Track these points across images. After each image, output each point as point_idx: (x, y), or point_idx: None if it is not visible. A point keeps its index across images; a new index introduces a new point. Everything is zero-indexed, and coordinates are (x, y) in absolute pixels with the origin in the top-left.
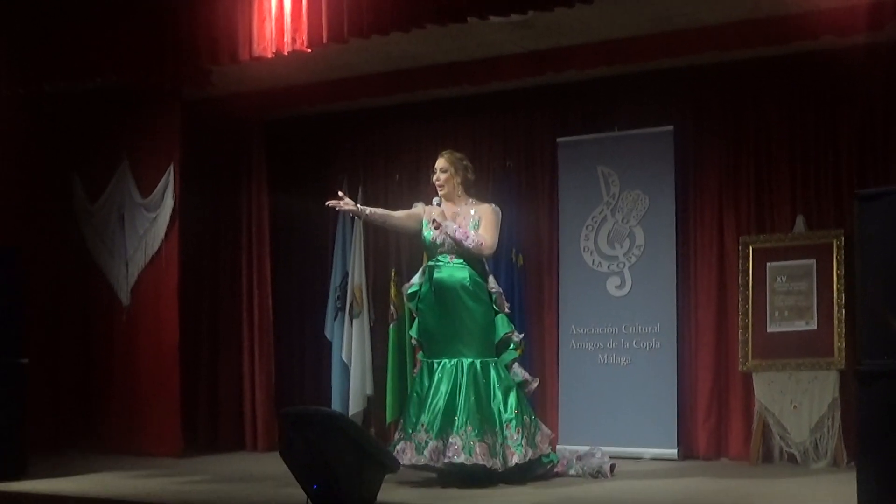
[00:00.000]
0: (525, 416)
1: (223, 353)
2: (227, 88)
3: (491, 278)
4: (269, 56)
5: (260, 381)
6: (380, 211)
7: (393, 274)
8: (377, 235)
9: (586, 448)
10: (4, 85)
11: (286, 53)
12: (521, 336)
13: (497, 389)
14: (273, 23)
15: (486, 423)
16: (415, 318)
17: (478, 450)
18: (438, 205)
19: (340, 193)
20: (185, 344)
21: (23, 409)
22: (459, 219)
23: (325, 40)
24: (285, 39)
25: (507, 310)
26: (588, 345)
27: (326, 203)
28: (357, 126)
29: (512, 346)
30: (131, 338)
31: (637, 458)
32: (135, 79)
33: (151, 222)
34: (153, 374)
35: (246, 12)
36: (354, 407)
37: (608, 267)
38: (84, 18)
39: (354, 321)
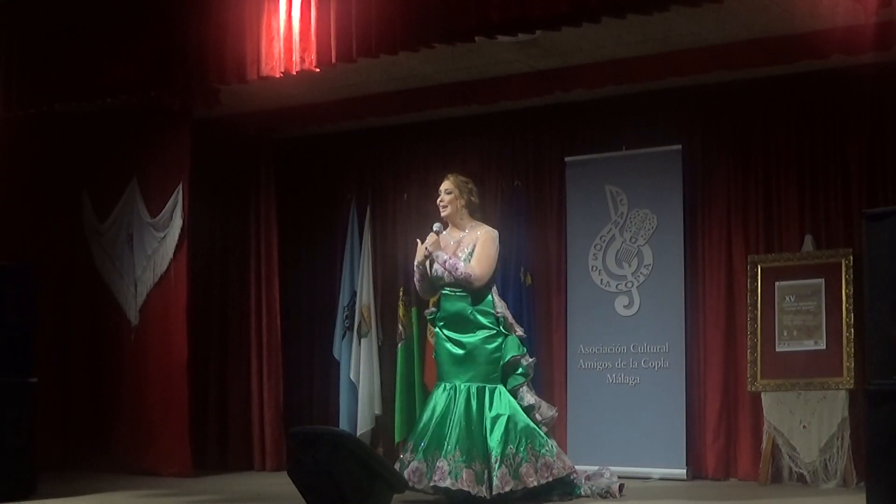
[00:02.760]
0: (510, 447)
1: (232, 373)
2: (235, 108)
3: (498, 302)
4: (278, 75)
5: (268, 400)
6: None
7: (401, 293)
8: (385, 255)
9: (595, 468)
10: (15, 105)
11: (294, 73)
12: (532, 360)
13: (487, 417)
14: (281, 42)
15: (474, 449)
16: (424, 339)
17: (464, 475)
18: (438, 232)
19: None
20: (194, 363)
21: (32, 428)
22: (462, 245)
23: (333, 60)
24: (294, 59)
25: (519, 332)
26: (596, 364)
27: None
28: (365, 145)
29: (520, 370)
30: (140, 357)
31: (645, 478)
32: (143, 98)
33: (160, 242)
34: (162, 394)
35: (254, 32)
36: (362, 426)
37: (616, 286)
38: (93, 39)
39: (363, 341)
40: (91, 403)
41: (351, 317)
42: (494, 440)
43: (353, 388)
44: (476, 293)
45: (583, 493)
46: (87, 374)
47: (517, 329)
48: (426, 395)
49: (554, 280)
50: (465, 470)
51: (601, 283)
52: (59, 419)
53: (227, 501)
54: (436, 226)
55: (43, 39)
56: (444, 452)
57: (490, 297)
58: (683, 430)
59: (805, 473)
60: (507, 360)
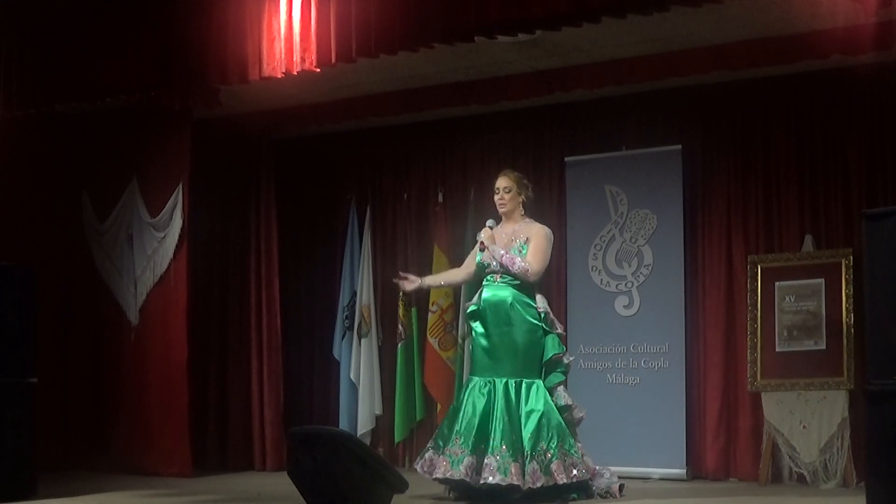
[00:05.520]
0: (542, 443)
1: (232, 373)
2: (235, 108)
3: (540, 298)
4: (279, 76)
5: (268, 400)
6: (437, 277)
7: (401, 294)
8: (385, 255)
9: (595, 468)
10: (15, 105)
11: (295, 73)
12: (572, 358)
13: (522, 411)
14: (282, 42)
15: (515, 443)
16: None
17: (512, 470)
18: (491, 227)
19: (402, 275)
20: (194, 363)
21: (32, 428)
22: (515, 239)
23: (333, 60)
24: (294, 59)
25: (559, 330)
26: (596, 364)
27: (393, 280)
28: (365, 145)
29: (560, 368)
30: (140, 357)
31: (645, 479)
32: (144, 98)
33: (160, 242)
34: (162, 394)
35: (255, 32)
36: (362, 427)
37: (616, 286)
38: (94, 39)
39: (363, 341)
40: (91, 403)
41: (351, 317)
42: (527, 435)
43: (353, 388)
44: (524, 286)
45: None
46: (87, 374)
47: (557, 327)
48: (426, 395)
49: (554, 280)
50: (512, 465)
51: (601, 283)
52: (59, 419)
53: (227, 501)
54: (489, 222)
55: (43, 39)
56: (490, 448)
57: (534, 292)
58: (683, 429)
59: (805, 473)
60: (549, 357)
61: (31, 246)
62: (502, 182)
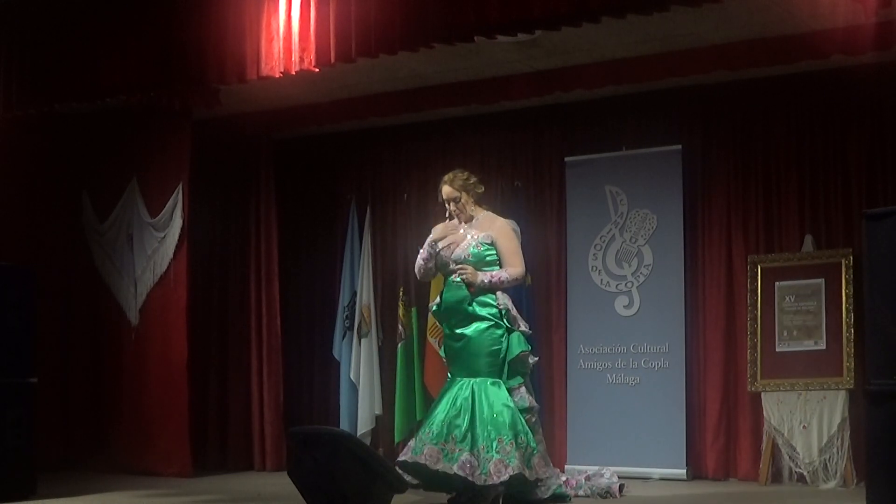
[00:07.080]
0: (502, 437)
1: (232, 373)
2: (235, 108)
3: (501, 295)
4: (277, 75)
5: (268, 400)
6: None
7: (401, 293)
8: (385, 255)
9: (595, 468)
10: (15, 105)
11: (294, 73)
12: (536, 359)
13: (485, 414)
14: (281, 42)
15: (486, 440)
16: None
17: (491, 469)
18: (435, 242)
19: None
20: (194, 363)
21: (32, 428)
22: (473, 234)
23: (332, 60)
24: (293, 59)
25: (523, 327)
26: (596, 364)
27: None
28: (365, 145)
29: (522, 369)
30: (140, 357)
31: (646, 479)
32: (143, 98)
33: (160, 242)
34: (162, 394)
35: (254, 32)
36: (363, 427)
37: (616, 286)
38: (93, 39)
39: (363, 341)
40: (91, 403)
41: (351, 317)
42: (490, 435)
43: (353, 388)
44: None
45: (581, 494)
46: (87, 374)
47: (521, 324)
48: (426, 395)
49: (554, 280)
50: (490, 463)
51: (601, 283)
52: (60, 420)
53: (227, 501)
54: (434, 237)
55: (43, 39)
56: (470, 446)
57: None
58: (683, 430)
59: (805, 473)
60: (514, 356)
61: (31, 246)
62: (448, 193)
